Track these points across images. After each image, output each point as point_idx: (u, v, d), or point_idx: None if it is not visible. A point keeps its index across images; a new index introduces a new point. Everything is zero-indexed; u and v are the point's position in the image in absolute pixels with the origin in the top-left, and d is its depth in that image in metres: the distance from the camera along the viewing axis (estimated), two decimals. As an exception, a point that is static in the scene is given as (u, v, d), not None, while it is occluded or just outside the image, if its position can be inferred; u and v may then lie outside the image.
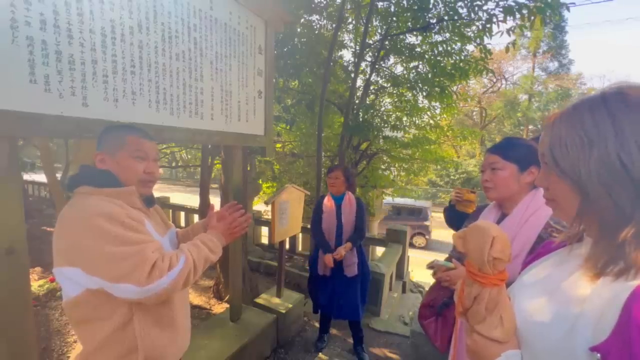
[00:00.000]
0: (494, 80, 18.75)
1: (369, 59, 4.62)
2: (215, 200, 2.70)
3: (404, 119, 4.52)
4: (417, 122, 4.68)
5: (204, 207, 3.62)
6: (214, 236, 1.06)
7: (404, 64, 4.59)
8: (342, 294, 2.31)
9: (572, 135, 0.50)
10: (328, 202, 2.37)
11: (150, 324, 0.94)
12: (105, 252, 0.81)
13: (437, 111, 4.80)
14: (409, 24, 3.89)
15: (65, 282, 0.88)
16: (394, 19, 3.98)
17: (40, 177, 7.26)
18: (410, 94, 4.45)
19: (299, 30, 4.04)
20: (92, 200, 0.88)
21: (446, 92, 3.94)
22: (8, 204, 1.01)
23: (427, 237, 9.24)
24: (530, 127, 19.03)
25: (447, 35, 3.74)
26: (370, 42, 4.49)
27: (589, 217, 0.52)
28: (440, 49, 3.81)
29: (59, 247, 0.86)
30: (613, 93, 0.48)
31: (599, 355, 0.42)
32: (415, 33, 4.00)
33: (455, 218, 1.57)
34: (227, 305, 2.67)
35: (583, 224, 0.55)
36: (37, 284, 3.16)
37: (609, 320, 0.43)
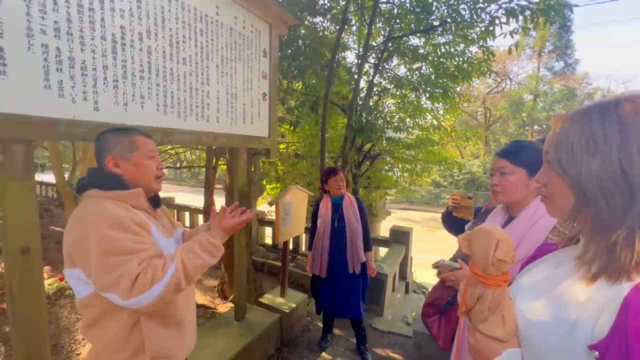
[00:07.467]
0: (499, 80, 18.59)
1: (372, 60, 4.62)
2: (220, 201, 2.74)
3: (407, 120, 4.52)
4: (420, 123, 4.67)
5: (209, 208, 3.66)
6: (214, 236, 1.01)
7: (407, 66, 4.60)
8: (344, 292, 2.33)
9: (579, 137, 0.51)
10: (324, 206, 2.39)
11: (156, 325, 0.96)
12: (98, 260, 0.83)
13: (441, 112, 4.80)
14: (412, 26, 3.90)
15: (75, 282, 0.91)
16: (397, 21, 3.99)
17: (48, 178, 7.37)
18: (413, 95, 4.45)
19: (302, 32, 4.06)
20: (99, 204, 0.90)
21: (449, 93, 3.94)
22: (24, 205, 1.05)
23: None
24: (536, 127, 18.80)
25: (450, 37, 3.75)
26: (374, 43, 4.50)
27: (582, 217, 0.53)
28: (443, 50, 3.81)
29: (66, 249, 0.89)
30: (626, 101, 0.49)
31: (597, 353, 0.44)
32: (418, 35, 4.01)
33: (453, 223, 1.58)
34: (232, 305, 2.70)
35: (576, 223, 0.56)
36: (46, 282, 3.21)
37: (606, 322, 0.45)
